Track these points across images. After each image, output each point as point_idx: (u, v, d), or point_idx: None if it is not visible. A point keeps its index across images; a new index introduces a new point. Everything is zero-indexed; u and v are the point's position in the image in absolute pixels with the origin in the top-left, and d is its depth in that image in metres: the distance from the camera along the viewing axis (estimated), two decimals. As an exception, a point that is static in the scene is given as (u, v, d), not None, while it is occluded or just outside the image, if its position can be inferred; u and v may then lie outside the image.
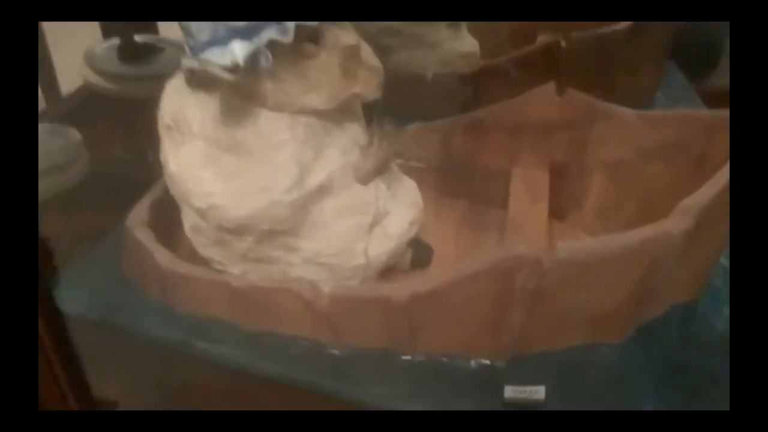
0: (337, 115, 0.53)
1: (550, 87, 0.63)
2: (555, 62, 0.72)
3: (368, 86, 0.52)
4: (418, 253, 0.60)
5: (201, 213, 0.52)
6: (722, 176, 0.45)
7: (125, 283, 0.59)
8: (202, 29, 0.46)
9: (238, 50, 0.45)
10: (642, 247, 0.44)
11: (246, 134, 0.50)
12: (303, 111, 0.51)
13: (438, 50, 0.89)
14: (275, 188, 0.50)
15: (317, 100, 0.50)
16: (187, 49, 0.48)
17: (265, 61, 0.46)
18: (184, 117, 0.51)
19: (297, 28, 0.46)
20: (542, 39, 0.76)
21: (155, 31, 1.04)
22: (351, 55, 0.50)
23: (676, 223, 0.43)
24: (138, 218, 0.57)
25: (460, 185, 0.68)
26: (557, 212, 0.64)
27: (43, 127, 0.79)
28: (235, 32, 0.45)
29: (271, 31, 0.46)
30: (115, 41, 0.98)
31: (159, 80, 0.55)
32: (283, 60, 0.48)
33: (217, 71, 0.45)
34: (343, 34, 0.50)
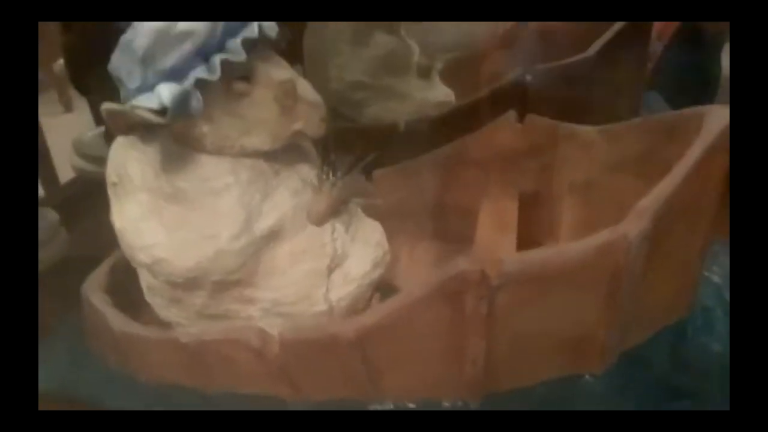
0: (284, 154, 0.52)
1: (510, 115, 0.61)
2: (523, 96, 0.71)
3: (310, 123, 0.50)
4: (388, 297, 0.57)
5: (148, 268, 0.50)
6: (676, 175, 0.42)
7: (86, 356, 0.57)
8: (132, 77, 0.45)
9: (165, 92, 0.44)
10: (599, 254, 0.40)
11: (187, 181, 0.49)
12: (245, 153, 0.50)
13: (410, 101, 0.88)
14: (221, 235, 0.48)
15: (258, 140, 0.49)
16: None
17: (196, 102, 0.45)
18: (126, 171, 0.50)
19: (224, 64, 0.45)
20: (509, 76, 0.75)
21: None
22: (286, 91, 0.48)
23: (632, 226, 0.40)
24: (95, 283, 0.56)
25: (433, 226, 0.66)
26: (531, 242, 0.60)
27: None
28: (163, 76, 0.45)
29: (197, 71, 0.45)
30: (102, 128, 1.00)
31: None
32: (217, 101, 0.47)
33: (144, 114, 0.44)
34: (276, 70, 0.49)
